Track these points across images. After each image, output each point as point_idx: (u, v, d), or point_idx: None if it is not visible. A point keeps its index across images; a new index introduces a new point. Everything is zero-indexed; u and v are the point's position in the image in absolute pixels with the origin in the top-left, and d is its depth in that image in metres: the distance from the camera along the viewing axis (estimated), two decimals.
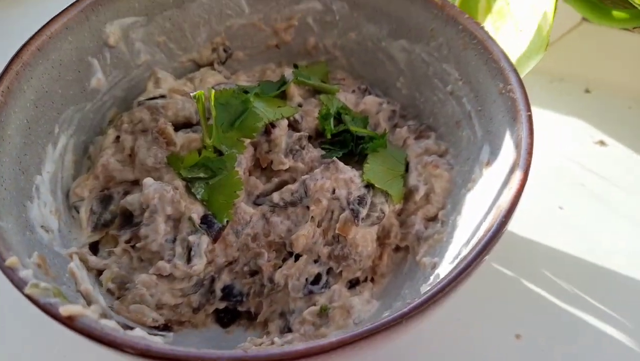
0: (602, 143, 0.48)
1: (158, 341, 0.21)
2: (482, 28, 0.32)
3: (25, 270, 0.22)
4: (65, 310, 0.20)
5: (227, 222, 0.32)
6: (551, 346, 0.36)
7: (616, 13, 0.41)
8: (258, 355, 0.19)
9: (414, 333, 0.35)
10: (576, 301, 0.38)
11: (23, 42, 0.31)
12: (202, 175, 0.32)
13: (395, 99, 0.39)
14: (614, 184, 0.45)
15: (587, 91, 0.52)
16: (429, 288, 0.22)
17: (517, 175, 0.25)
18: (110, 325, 0.20)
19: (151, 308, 0.29)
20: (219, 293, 0.32)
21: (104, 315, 0.24)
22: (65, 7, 0.34)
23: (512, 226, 0.40)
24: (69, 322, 0.20)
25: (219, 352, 0.20)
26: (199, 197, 0.32)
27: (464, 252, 0.24)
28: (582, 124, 0.50)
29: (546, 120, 0.50)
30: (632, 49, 0.48)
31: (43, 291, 0.21)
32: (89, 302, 0.25)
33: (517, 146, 0.27)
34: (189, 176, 0.32)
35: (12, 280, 0.21)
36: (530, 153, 0.26)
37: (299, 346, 0.20)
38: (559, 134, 0.49)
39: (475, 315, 0.37)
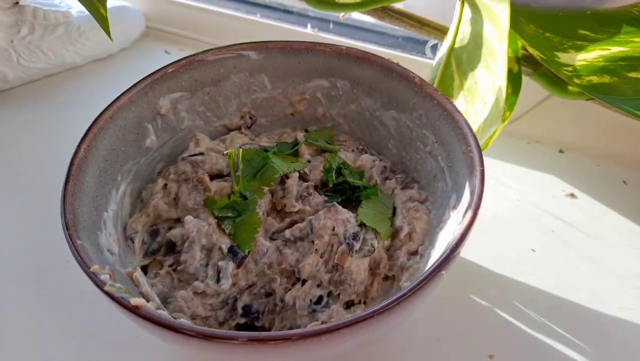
0: (572, 195, 0.55)
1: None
2: (451, 102, 0.41)
3: (103, 275, 0.30)
4: (134, 301, 0.28)
5: (249, 252, 0.39)
6: None
7: (571, 88, 0.49)
8: (269, 335, 0.27)
9: (396, 352, 0.41)
10: (544, 328, 0.43)
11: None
12: (230, 214, 0.40)
13: (387, 157, 0.47)
14: (581, 231, 0.51)
15: (561, 151, 0.60)
16: (394, 297, 0.29)
17: (469, 214, 0.32)
18: (165, 314, 0.28)
19: (187, 317, 0.37)
20: (240, 310, 0.39)
21: (159, 309, 0.31)
22: (130, 85, 0.43)
23: (489, 264, 0.48)
24: (136, 310, 0.28)
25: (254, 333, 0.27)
26: (227, 231, 0.40)
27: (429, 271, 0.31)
28: (556, 179, 0.56)
29: (523, 175, 0.57)
30: (596, 115, 0.56)
31: (117, 290, 0.29)
32: (147, 300, 0.33)
33: (472, 193, 0.34)
34: (220, 215, 0.40)
35: (95, 282, 0.29)
36: (480, 197, 0.33)
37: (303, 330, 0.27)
38: (535, 187, 0.56)
39: (453, 337, 0.42)
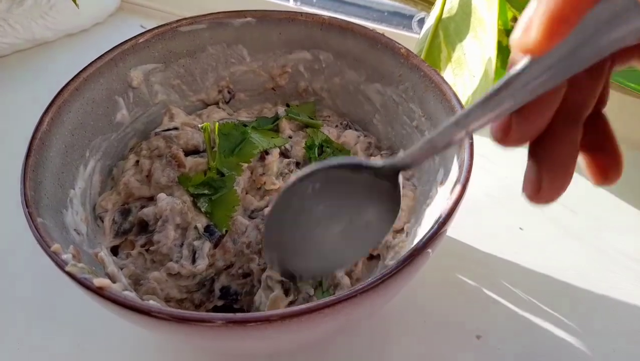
0: None
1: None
2: (439, 74, 0.39)
3: (65, 255, 0.28)
4: (97, 281, 0.26)
5: (226, 231, 0.38)
6: (508, 345, 0.40)
7: None
8: (246, 316, 0.25)
9: (382, 334, 0.40)
10: (531, 307, 0.42)
11: (55, 84, 0.37)
12: (206, 192, 0.38)
13: (372, 133, 0.45)
14: (570, 209, 0.51)
15: None
16: (378, 275, 0.27)
17: (457, 189, 0.31)
18: (132, 295, 0.26)
19: (161, 300, 0.35)
20: (217, 292, 0.37)
21: (126, 291, 0.29)
22: (98, 56, 0.40)
23: (476, 243, 0.46)
24: (100, 292, 0.26)
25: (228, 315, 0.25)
26: (203, 210, 0.38)
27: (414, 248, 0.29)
28: None
29: (511, 153, 0.56)
30: None
31: (80, 270, 0.27)
32: (114, 281, 0.30)
33: (460, 167, 0.32)
34: (196, 192, 0.38)
35: (55, 262, 0.27)
36: (469, 171, 0.32)
37: (280, 311, 0.25)
38: (523, 165, 0.54)
39: (440, 318, 0.41)
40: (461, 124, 0.25)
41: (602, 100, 0.25)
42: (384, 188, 0.29)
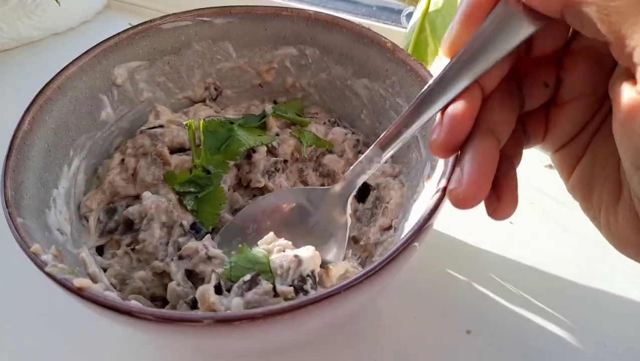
0: (551, 167, 0.54)
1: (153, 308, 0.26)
2: (425, 68, 0.38)
3: (45, 255, 0.27)
4: (77, 282, 0.25)
5: (213, 229, 0.37)
6: (498, 340, 0.39)
7: None
8: (228, 315, 0.25)
9: (373, 330, 0.40)
10: (522, 301, 0.42)
11: (41, 84, 0.37)
12: (192, 189, 0.38)
13: (360, 129, 0.45)
14: (560, 202, 0.50)
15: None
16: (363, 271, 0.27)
17: (443, 182, 0.30)
18: (112, 295, 0.26)
19: (147, 299, 0.34)
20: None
21: (107, 290, 0.29)
22: (81, 53, 0.40)
23: (466, 237, 0.46)
24: (79, 292, 0.25)
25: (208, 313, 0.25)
26: (189, 208, 0.37)
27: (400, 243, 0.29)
28: (534, 150, 0.55)
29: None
30: None
31: (60, 270, 0.26)
32: (95, 282, 0.30)
33: (446, 162, 0.32)
34: (181, 190, 0.38)
35: (35, 262, 0.27)
36: (454, 166, 0.31)
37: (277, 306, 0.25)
38: None
39: (430, 313, 0.41)
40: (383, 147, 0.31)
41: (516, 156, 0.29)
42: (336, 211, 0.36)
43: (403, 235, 0.31)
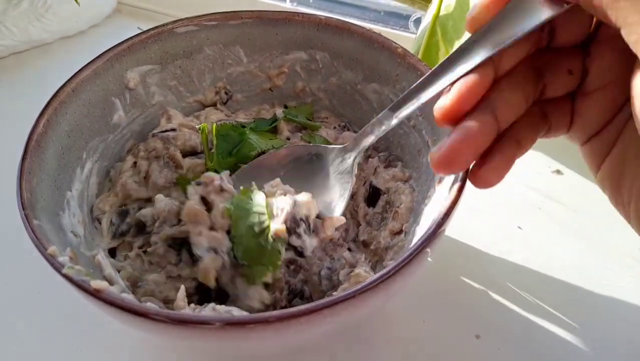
0: (558, 172, 0.54)
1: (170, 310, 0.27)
2: None
3: (62, 257, 0.28)
4: (95, 284, 0.25)
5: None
6: (508, 345, 0.39)
7: None
8: (243, 318, 0.25)
9: (382, 334, 0.40)
10: (530, 306, 0.41)
11: (52, 86, 0.37)
12: None
13: None
14: (568, 207, 0.50)
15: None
16: (377, 275, 0.27)
17: (455, 187, 0.31)
18: (129, 298, 0.26)
19: (159, 302, 0.34)
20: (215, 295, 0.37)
21: (124, 293, 0.29)
22: (94, 57, 0.41)
23: (474, 242, 0.46)
24: (97, 294, 0.25)
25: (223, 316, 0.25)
26: None
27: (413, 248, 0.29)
28: (542, 156, 0.55)
29: None
30: None
31: (77, 272, 0.26)
32: (111, 284, 0.30)
33: None
34: None
35: (52, 265, 0.27)
36: (467, 170, 0.32)
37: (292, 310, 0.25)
38: (521, 165, 0.54)
39: (439, 318, 0.40)
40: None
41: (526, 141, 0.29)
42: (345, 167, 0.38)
43: (416, 239, 0.31)
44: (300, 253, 0.34)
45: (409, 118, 0.41)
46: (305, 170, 0.39)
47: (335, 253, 0.39)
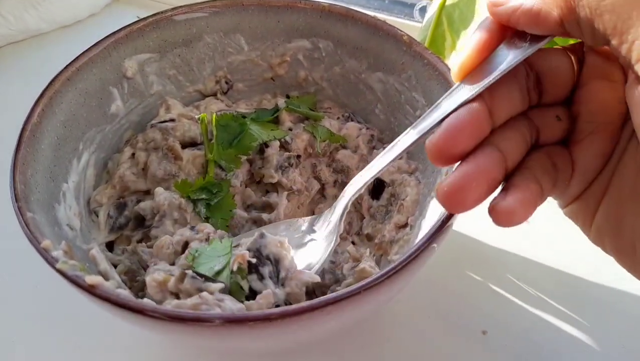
0: None
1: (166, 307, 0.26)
2: (443, 62, 0.37)
3: (56, 251, 0.27)
4: (89, 279, 0.24)
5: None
6: (514, 341, 0.38)
7: None
8: (245, 315, 0.24)
9: (387, 330, 0.39)
10: (538, 302, 0.41)
11: (49, 77, 0.36)
12: (204, 196, 0.37)
13: (374, 124, 0.43)
14: None
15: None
16: (383, 271, 0.26)
17: None
18: (125, 293, 0.25)
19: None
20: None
21: (119, 288, 0.28)
22: (91, 45, 0.40)
23: (481, 236, 0.45)
24: (91, 290, 0.24)
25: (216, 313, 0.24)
26: (202, 215, 0.36)
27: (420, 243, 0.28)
28: None
29: None
30: None
31: (71, 267, 0.25)
32: (106, 279, 0.29)
33: None
34: (194, 198, 0.37)
35: (46, 259, 0.26)
36: None
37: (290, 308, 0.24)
38: None
39: (445, 313, 0.40)
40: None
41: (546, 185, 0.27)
42: None
43: (422, 234, 0.30)
44: (254, 296, 0.29)
45: (414, 107, 0.40)
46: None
47: (339, 246, 0.38)
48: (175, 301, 0.28)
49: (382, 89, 0.42)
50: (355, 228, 0.39)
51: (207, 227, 0.34)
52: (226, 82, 0.46)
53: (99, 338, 0.38)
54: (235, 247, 0.32)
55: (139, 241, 0.36)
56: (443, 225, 0.28)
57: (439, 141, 0.25)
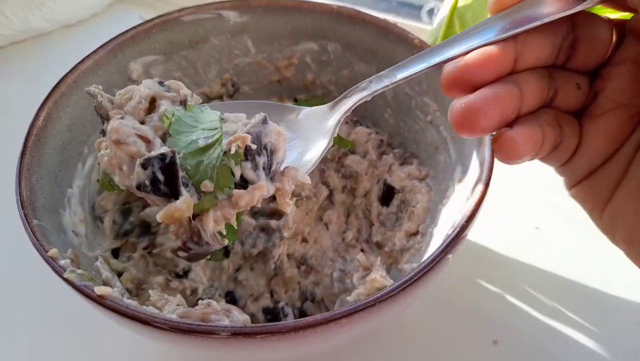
0: None
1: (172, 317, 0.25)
2: None
3: (63, 260, 0.26)
4: (98, 289, 0.24)
5: (233, 242, 0.36)
6: (526, 351, 0.38)
7: None
8: (256, 328, 0.23)
9: (399, 339, 0.39)
10: (550, 311, 0.40)
11: (53, 78, 0.35)
12: None
13: (383, 129, 0.43)
14: None
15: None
16: (397, 283, 0.25)
17: (479, 188, 0.29)
18: (133, 304, 0.24)
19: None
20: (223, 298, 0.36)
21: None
22: (96, 47, 0.39)
23: (490, 243, 0.44)
24: (100, 300, 0.24)
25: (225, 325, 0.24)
26: None
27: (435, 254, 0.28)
28: None
29: None
30: None
31: (79, 276, 0.25)
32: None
33: (481, 164, 0.31)
34: None
35: (53, 268, 0.25)
36: (490, 169, 0.30)
37: (292, 322, 0.24)
38: (539, 161, 0.53)
39: (456, 322, 0.39)
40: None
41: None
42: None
43: (434, 242, 0.30)
44: (243, 186, 0.26)
45: (425, 112, 0.39)
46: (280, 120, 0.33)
47: (348, 254, 0.37)
48: (182, 309, 0.28)
49: (391, 93, 0.42)
50: (364, 236, 0.39)
51: (183, 88, 0.29)
52: (232, 85, 0.45)
53: (103, 343, 0.37)
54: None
55: (145, 248, 0.35)
56: (459, 235, 0.27)
57: (462, 66, 0.25)
